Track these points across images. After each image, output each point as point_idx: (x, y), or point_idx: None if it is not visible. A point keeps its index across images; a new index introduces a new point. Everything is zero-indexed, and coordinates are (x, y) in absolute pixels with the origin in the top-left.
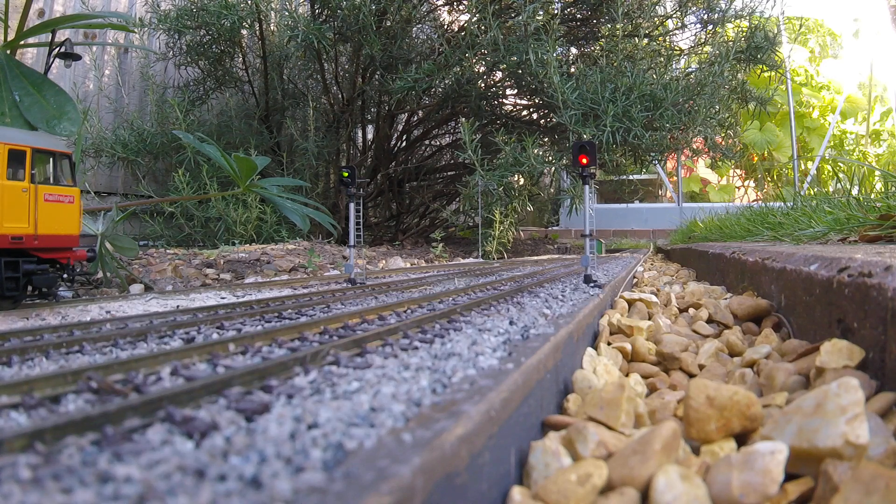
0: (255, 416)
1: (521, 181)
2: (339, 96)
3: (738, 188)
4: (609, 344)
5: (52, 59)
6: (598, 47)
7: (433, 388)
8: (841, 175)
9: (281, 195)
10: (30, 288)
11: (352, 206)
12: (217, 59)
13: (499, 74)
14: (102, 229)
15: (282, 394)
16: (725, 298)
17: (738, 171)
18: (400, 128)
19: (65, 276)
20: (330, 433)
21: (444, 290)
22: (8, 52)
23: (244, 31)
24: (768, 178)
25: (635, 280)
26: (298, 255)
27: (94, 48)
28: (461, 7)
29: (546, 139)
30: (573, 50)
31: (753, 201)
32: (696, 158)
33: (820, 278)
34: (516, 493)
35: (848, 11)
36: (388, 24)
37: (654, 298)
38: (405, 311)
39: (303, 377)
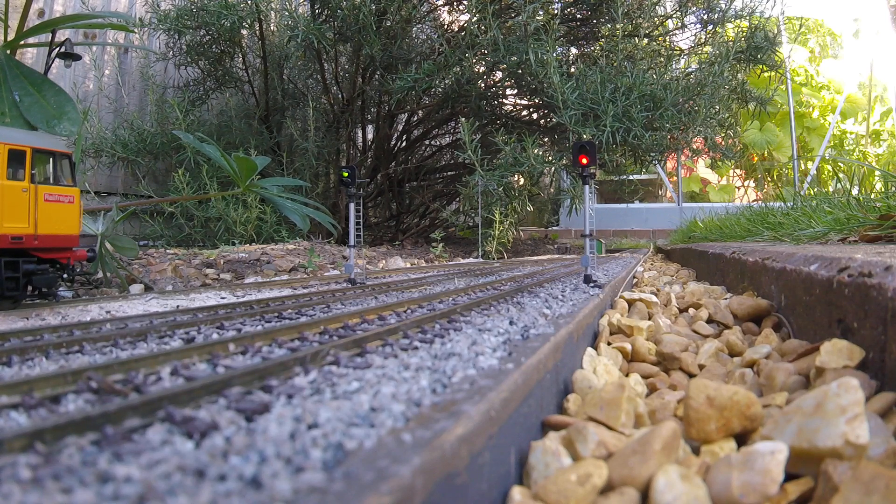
0: (255, 416)
1: (521, 181)
2: (339, 96)
3: (738, 188)
4: (609, 344)
5: (52, 59)
6: (598, 47)
7: (433, 388)
8: (841, 175)
9: (281, 195)
10: (30, 288)
11: (352, 206)
12: (217, 59)
13: (499, 74)
14: (102, 229)
15: (282, 394)
16: (725, 298)
17: (738, 171)
18: (400, 128)
19: (65, 276)
20: (330, 433)
21: (444, 290)
22: (8, 52)
23: (244, 31)
24: (768, 178)
25: (635, 280)
26: (298, 255)
27: (94, 48)
28: (461, 7)
29: (546, 139)
30: (573, 50)
31: (753, 201)
32: (696, 158)
33: (820, 278)
34: (516, 493)
35: (848, 11)
36: (388, 24)
37: (654, 298)
38: (405, 311)
39: (303, 377)
